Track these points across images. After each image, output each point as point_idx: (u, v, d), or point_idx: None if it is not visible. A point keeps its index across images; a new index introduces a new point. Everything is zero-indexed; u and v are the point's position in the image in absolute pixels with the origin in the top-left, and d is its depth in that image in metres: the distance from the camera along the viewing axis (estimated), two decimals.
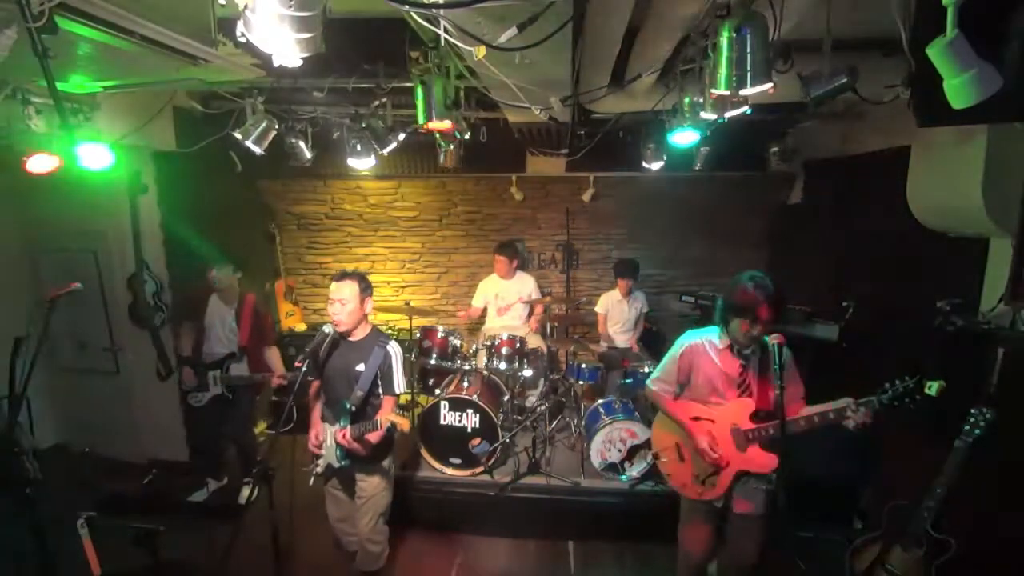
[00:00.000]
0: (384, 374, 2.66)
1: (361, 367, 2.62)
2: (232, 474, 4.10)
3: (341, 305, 2.57)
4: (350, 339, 2.68)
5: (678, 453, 2.55)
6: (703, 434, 2.40)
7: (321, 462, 2.72)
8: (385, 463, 2.79)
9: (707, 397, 2.43)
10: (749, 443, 2.34)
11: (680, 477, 2.55)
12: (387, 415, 2.50)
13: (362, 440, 2.57)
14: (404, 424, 2.49)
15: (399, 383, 2.67)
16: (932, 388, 2.04)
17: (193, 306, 3.83)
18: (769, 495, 2.39)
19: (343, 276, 2.62)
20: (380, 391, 2.68)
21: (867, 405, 2.12)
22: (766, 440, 2.31)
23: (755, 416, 2.34)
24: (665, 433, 2.61)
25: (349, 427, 2.56)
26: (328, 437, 2.67)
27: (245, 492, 3.92)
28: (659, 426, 2.66)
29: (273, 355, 3.90)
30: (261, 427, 4.94)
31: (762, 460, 2.33)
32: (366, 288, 2.65)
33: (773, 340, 2.13)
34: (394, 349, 2.69)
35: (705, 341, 2.43)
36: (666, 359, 2.54)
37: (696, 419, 2.44)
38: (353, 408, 2.59)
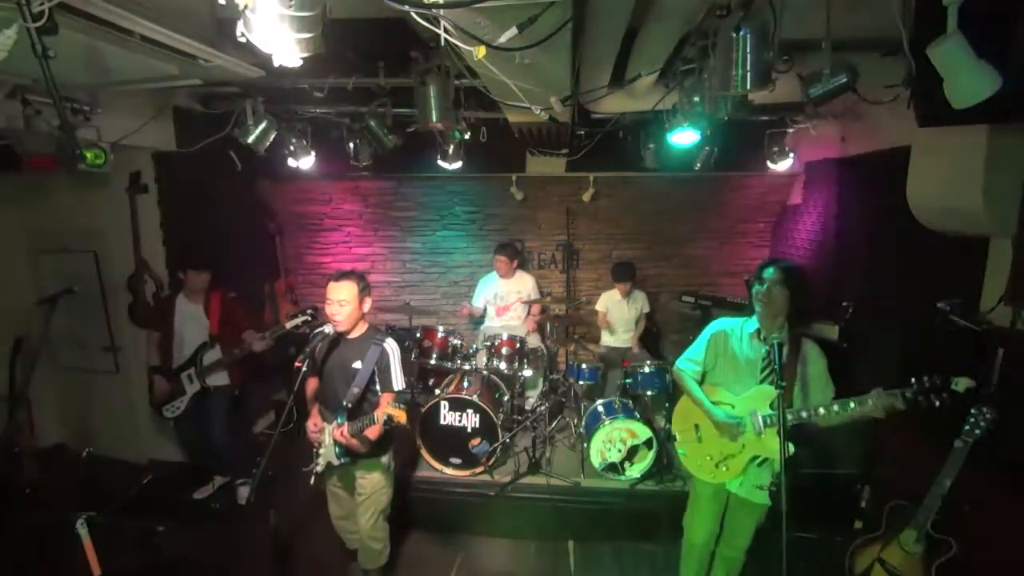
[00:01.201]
0: (382, 371, 2.66)
1: (358, 364, 2.62)
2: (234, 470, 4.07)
3: (340, 306, 2.57)
4: (348, 337, 2.68)
5: (696, 433, 2.61)
6: (722, 411, 2.45)
7: (321, 460, 2.72)
8: (384, 460, 2.79)
9: (731, 383, 2.49)
10: (767, 428, 2.38)
11: (694, 457, 2.61)
12: (384, 409, 2.49)
13: (360, 436, 2.57)
14: (401, 416, 2.46)
15: (397, 379, 2.68)
16: (959, 384, 2.05)
17: (160, 314, 3.73)
18: (773, 493, 2.41)
19: (341, 276, 2.60)
20: (378, 388, 2.68)
21: (892, 397, 2.13)
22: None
23: (774, 405, 2.35)
24: (686, 413, 2.67)
25: (347, 424, 2.56)
26: (327, 435, 2.68)
27: (242, 492, 3.91)
28: (681, 406, 2.72)
29: (250, 336, 3.69)
30: (261, 427, 4.95)
31: (776, 446, 2.34)
32: (365, 288, 2.65)
33: (773, 339, 2.15)
34: (391, 346, 2.69)
35: (736, 326, 2.53)
36: (697, 340, 2.62)
37: (716, 403, 2.50)
38: (350, 405, 2.60)
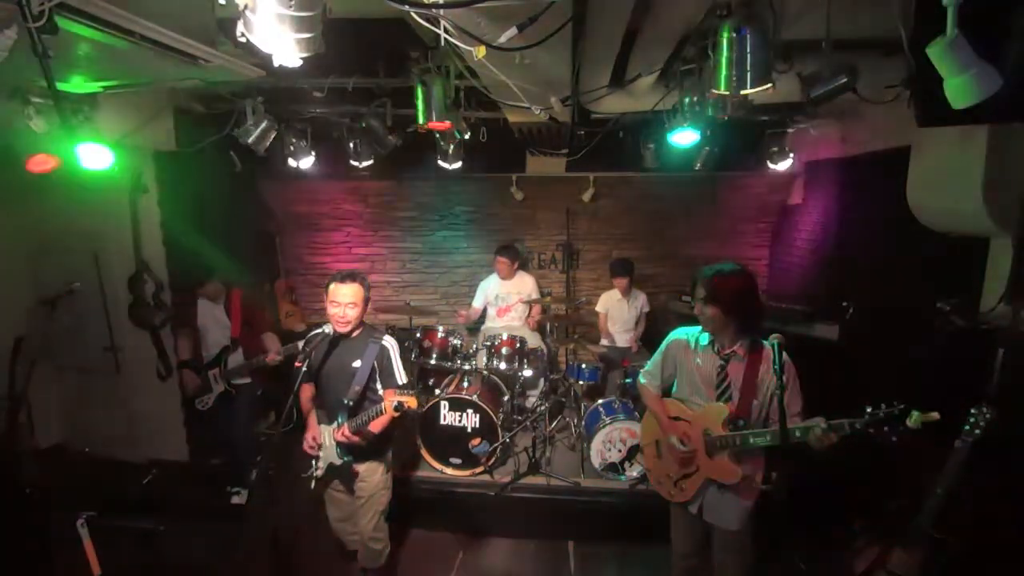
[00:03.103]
0: (383, 368, 2.66)
1: (357, 363, 2.62)
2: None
3: (350, 308, 2.55)
4: (346, 338, 2.67)
5: (657, 449, 2.52)
6: (675, 431, 2.35)
7: (321, 464, 2.71)
8: (384, 461, 2.79)
9: (689, 396, 2.38)
10: (718, 451, 2.24)
11: (656, 474, 2.53)
12: (392, 397, 2.44)
13: (362, 432, 2.56)
14: (411, 402, 2.42)
15: (400, 374, 2.67)
16: (913, 418, 1.87)
17: (189, 314, 3.82)
18: (745, 511, 2.30)
19: (345, 278, 2.56)
20: (379, 386, 2.67)
21: (837, 429, 2.00)
22: (735, 450, 2.22)
23: (729, 423, 2.22)
24: (648, 429, 2.59)
25: (347, 422, 2.56)
26: (326, 438, 2.67)
27: (235, 500, 3.88)
28: (645, 421, 2.63)
29: (269, 339, 3.86)
30: (261, 427, 4.94)
31: (728, 470, 2.23)
32: (368, 288, 2.65)
33: (773, 339, 2.09)
34: (389, 342, 2.69)
35: (691, 337, 2.39)
36: (655, 354, 2.52)
37: (675, 419, 2.39)
38: (351, 403, 2.59)
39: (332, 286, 2.57)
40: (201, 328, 3.78)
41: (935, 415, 1.87)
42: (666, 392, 2.53)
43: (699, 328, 2.38)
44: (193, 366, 3.76)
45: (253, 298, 4.00)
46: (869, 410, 1.96)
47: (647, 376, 2.52)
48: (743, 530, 2.32)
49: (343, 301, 2.54)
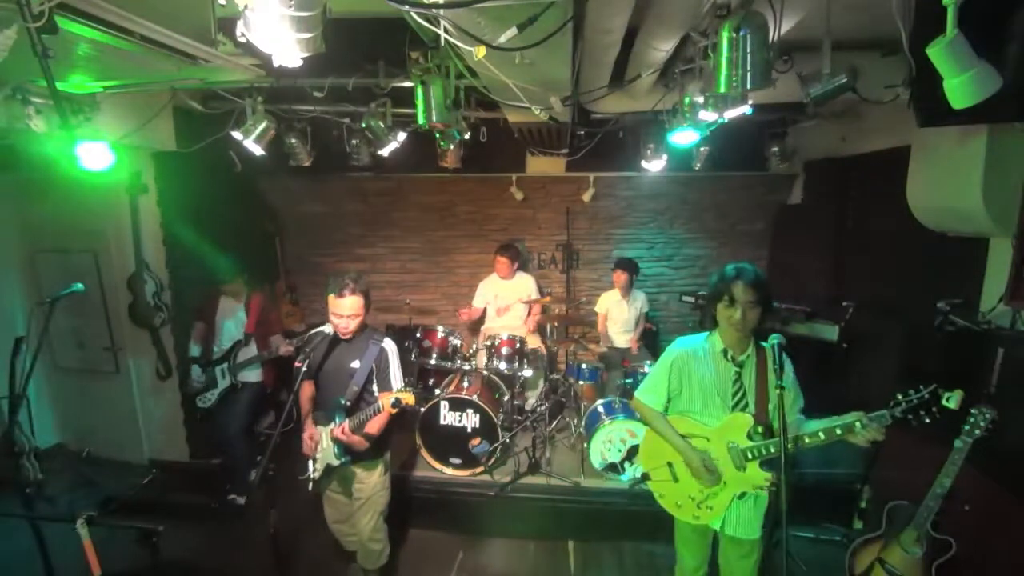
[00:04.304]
0: (380, 371, 2.66)
1: (356, 364, 2.62)
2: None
3: (350, 320, 2.56)
4: (346, 339, 2.68)
5: (671, 472, 2.35)
6: (697, 454, 2.22)
7: (319, 465, 2.71)
8: (382, 462, 2.79)
9: (700, 410, 2.26)
10: (748, 461, 2.17)
11: (672, 498, 2.37)
12: (390, 394, 2.43)
13: (362, 431, 2.56)
14: (409, 398, 2.42)
15: (396, 379, 2.67)
16: (951, 400, 1.84)
17: (208, 308, 3.89)
18: (762, 515, 2.28)
19: (344, 290, 2.52)
20: (375, 388, 2.68)
21: (879, 420, 1.92)
22: (767, 458, 2.16)
23: (754, 432, 2.15)
24: (656, 450, 2.39)
25: (347, 420, 2.56)
26: (324, 438, 2.67)
27: (235, 500, 3.89)
28: (649, 442, 2.47)
29: (277, 339, 3.92)
30: (261, 427, 4.94)
31: (764, 478, 2.16)
32: (368, 295, 2.64)
33: (773, 339, 2.07)
34: (389, 345, 2.70)
35: (697, 347, 2.27)
36: (655, 369, 2.37)
37: (688, 436, 2.27)
38: (348, 403, 2.60)
39: (331, 299, 2.55)
40: (218, 322, 3.83)
41: (960, 392, 1.87)
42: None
43: (701, 337, 2.29)
44: (200, 363, 3.79)
45: (269, 302, 4.08)
46: (901, 396, 1.91)
47: (648, 395, 2.35)
48: (761, 535, 2.29)
49: (344, 314, 2.55)
